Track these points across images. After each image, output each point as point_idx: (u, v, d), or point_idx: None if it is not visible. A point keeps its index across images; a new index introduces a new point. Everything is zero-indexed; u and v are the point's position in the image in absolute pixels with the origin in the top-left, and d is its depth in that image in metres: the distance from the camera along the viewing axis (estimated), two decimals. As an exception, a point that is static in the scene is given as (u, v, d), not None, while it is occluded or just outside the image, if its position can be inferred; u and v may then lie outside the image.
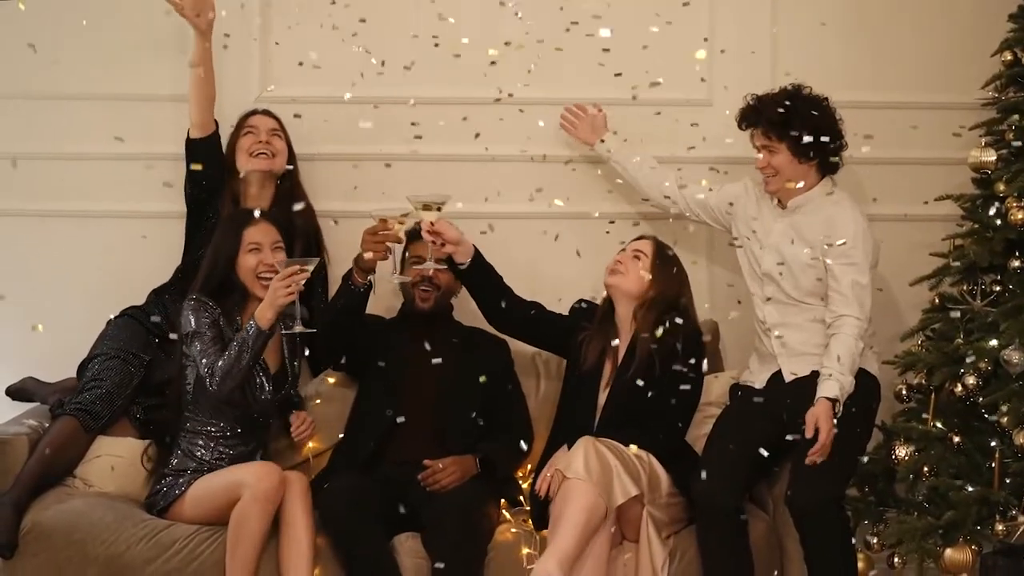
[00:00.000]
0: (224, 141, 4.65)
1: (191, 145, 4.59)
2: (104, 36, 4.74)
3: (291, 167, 4.64)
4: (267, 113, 4.67)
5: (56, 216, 4.76)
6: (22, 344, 4.76)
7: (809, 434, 4.12)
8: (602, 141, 4.71)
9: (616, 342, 4.40)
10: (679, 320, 4.31)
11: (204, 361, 4.20)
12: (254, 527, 4.10)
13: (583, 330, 4.45)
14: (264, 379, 4.28)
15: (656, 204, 4.68)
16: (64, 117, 4.76)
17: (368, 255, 4.23)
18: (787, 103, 4.33)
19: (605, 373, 4.41)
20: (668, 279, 4.40)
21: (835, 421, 4.13)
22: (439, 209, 4.20)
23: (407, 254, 4.44)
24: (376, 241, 4.22)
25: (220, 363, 4.17)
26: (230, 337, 4.24)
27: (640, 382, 4.28)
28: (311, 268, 4.14)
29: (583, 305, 4.54)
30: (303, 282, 4.12)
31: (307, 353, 4.48)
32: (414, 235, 4.39)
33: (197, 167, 4.53)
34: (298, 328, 4.17)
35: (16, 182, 4.75)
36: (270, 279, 4.21)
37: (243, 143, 4.61)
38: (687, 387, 4.32)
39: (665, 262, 4.43)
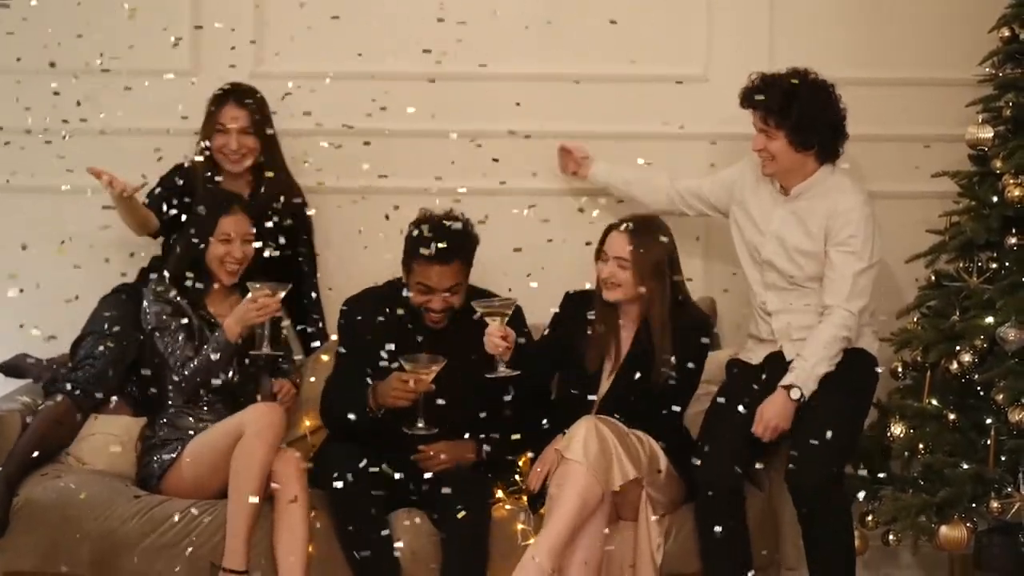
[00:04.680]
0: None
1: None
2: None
3: (270, 149, 4.60)
4: (239, 102, 4.57)
5: (48, 192, 4.72)
6: (14, 321, 4.74)
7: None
8: (602, 172, 4.70)
9: (619, 341, 4.36)
10: (687, 321, 4.31)
11: (174, 354, 4.29)
12: (257, 459, 4.11)
13: (578, 323, 4.34)
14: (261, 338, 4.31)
15: (656, 208, 4.59)
16: (66, 90, 4.71)
17: (398, 403, 4.20)
18: (791, 90, 4.26)
19: (606, 367, 4.38)
20: (658, 259, 4.27)
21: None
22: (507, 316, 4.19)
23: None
24: (409, 391, 4.18)
25: (191, 365, 4.26)
26: (195, 323, 4.31)
27: (644, 376, 4.26)
28: (281, 295, 4.23)
29: (574, 297, 4.43)
30: (277, 304, 4.22)
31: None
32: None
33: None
34: (265, 351, 4.25)
35: (7, 156, 4.72)
36: (235, 268, 4.32)
37: (215, 141, 4.56)
38: (690, 373, 4.33)
39: (647, 246, 4.27)
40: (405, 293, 4.30)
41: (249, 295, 4.23)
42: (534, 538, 4.13)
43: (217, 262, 4.34)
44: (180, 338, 4.31)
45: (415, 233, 4.28)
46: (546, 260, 4.50)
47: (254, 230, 4.38)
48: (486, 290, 4.45)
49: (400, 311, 4.29)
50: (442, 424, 4.24)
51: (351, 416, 4.22)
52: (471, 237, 4.34)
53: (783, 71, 4.33)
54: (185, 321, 4.33)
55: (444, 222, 4.27)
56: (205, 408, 4.34)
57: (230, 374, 4.32)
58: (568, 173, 4.78)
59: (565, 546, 4.05)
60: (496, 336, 4.15)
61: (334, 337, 4.56)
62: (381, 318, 4.31)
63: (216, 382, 4.27)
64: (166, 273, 4.41)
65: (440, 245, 4.20)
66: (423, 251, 4.21)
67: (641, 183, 4.65)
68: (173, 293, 4.34)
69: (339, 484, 4.10)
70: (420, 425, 4.18)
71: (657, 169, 4.64)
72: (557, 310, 4.41)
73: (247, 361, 4.35)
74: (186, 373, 4.28)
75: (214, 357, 4.24)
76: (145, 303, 4.36)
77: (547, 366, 4.40)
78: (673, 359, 4.22)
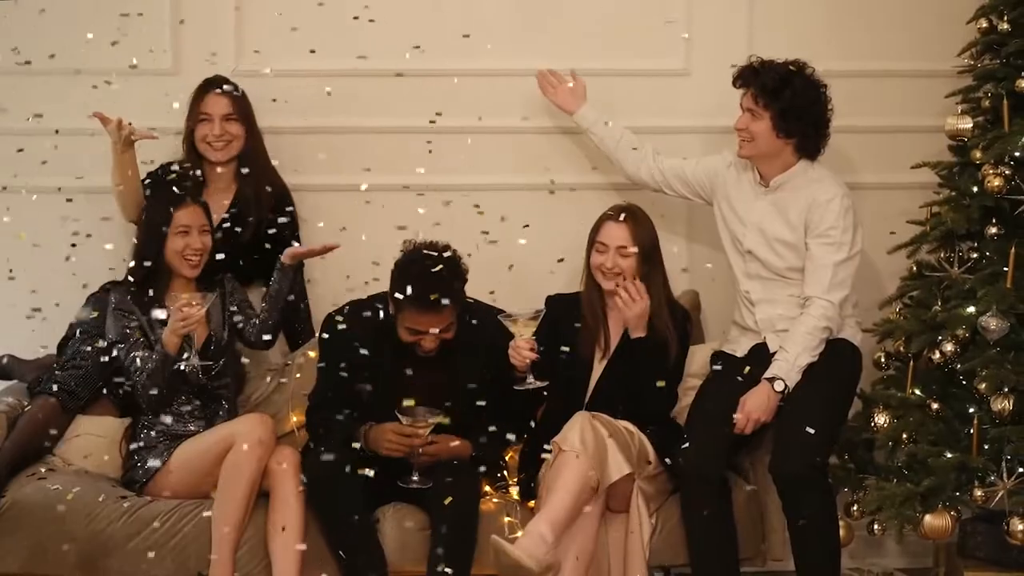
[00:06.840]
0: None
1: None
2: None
3: (254, 141, 4.59)
4: (223, 91, 4.58)
5: (34, 192, 4.70)
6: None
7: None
8: (586, 114, 4.66)
9: (608, 330, 4.39)
10: (676, 308, 4.40)
11: (134, 364, 4.27)
12: (246, 471, 4.12)
13: (564, 323, 4.36)
14: (189, 353, 4.29)
15: (635, 179, 4.63)
16: (48, 91, 4.71)
17: (391, 454, 4.18)
18: (787, 75, 4.30)
19: (597, 355, 4.40)
20: (653, 243, 4.37)
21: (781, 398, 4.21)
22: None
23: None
24: (404, 444, 4.16)
25: (141, 378, 4.24)
26: (152, 336, 4.29)
27: (639, 357, 4.30)
28: (207, 304, 4.21)
29: (555, 298, 4.45)
30: (201, 314, 4.20)
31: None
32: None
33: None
34: (195, 361, 4.25)
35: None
36: (196, 260, 4.30)
37: (199, 131, 4.56)
38: (681, 353, 4.38)
39: (644, 232, 4.35)
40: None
41: (174, 306, 4.19)
42: (522, 530, 4.14)
43: (177, 256, 4.31)
44: (140, 351, 4.28)
45: (400, 282, 4.13)
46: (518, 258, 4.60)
47: (206, 221, 4.35)
48: (478, 300, 4.41)
49: (389, 334, 4.24)
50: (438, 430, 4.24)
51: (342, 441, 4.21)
52: (459, 276, 4.21)
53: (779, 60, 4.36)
54: (143, 335, 4.32)
55: (431, 269, 4.11)
56: (182, 408, 4.34)
57: (196, 367, 4.30)
58: (556, 102, 4.68)
59: (565, 526, 4.06)
60: (525, 348, 4.17)
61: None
62: (367, 346, 4.24)
63: (188, 376, 4.28)
64: (130, 278, 4.38)
65: (430, 298, 4.10)
66: (411, 304, 4.11)
67: (629, 146, 4.60)
68: (132, 305, 4.33)
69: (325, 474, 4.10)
70: (415, 478, 4.18)
71: (645, 140, 4.62)
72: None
73: (208, 362, 4.35)
74: (139, 384, 4.26)
75: (153, 370, 4.23)
76: (107, 318, 4.35)
77: (548, 369, 4.42)
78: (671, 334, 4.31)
